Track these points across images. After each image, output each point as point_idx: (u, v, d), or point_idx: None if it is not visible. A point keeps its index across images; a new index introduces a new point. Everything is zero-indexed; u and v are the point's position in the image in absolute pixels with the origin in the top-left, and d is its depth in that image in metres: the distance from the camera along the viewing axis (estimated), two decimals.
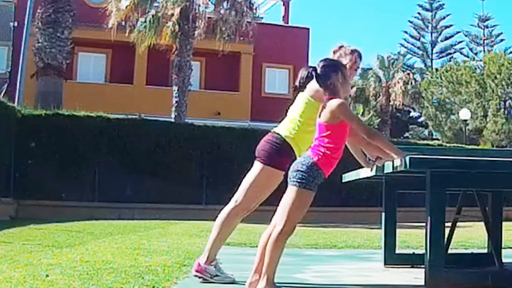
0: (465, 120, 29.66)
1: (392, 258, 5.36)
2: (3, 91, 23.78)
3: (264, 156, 4.10)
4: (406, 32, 49.64)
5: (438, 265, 3.84)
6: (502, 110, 35.05)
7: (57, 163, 14.99)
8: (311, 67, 3.78)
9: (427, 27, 48.89)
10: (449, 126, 37.31)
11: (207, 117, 23.35)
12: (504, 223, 5.30)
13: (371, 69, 36.50)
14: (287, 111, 4.27)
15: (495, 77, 34.18)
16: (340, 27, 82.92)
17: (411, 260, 5.34)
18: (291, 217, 3.60)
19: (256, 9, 21.72)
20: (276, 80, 29.52)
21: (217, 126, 17.28)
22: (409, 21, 49.58)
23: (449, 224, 5.13)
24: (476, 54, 47.51)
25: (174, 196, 15.45)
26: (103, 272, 4.26)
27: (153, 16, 19.62)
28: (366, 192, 15.87)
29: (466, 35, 48.99)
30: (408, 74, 36.96)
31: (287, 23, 31.34)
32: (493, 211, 5.18)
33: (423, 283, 3.93)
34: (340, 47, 4.30)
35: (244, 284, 3.82)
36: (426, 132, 44.19)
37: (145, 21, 19.61)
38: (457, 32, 48.82)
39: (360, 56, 4.29)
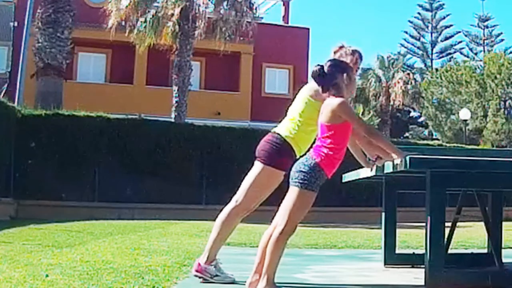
0: (465, 120, 29.66)
1: (392, 258, 5.36)
2: (3, 91, 23.78)
3: (264, 156, 4.10)
4: (406, 32, 49.69)
5: (438, 265, 3.84)
6: (502, 110, 35.05)
7: (57, 163, 14.99)
8: (318, 65, 3.78)
9: (427, 27, 48.89)
10: (449, 126, 37.31)
11: (207, 117, 23.35)
12: (504, 223, 5.30)
13: (371, 69, 36.51)
14: (287, 111, 4.27)
15: (495, 77, 34.18)
16: (340, 27, 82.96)
17: (411, 260, 5.34)
18: (292, 217, 3.60)
19: (256, 9, 21.71)
20: (276, 80, 29.52)
21: (217, 126, 17.28)
22: (409, 21, 49.64)
23: (449, 224, 5.13)
24: (476, 54, 47.54)
25: (174, 196, 15.45)
26: (103, 272, 4.26)
27: (153, 16, 19.62)
28: (366, 192, 15.87)
29: (466, 35, 49.04)
30: (408, 74, 36.97)
31: (287, 23, 31.34)
32: (493, 211, 5.18)
33: (423, 283, 3.93)
34: (341, 47, 4.29)
35: (244, 284, 3.82)
36: (426, 132, 44.19)
37: (145, 21, 19.61)
38: (457, 32, 48.87)
39: (360, 56, 4.29)
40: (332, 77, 3.73)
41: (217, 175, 15.97)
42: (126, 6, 19.20)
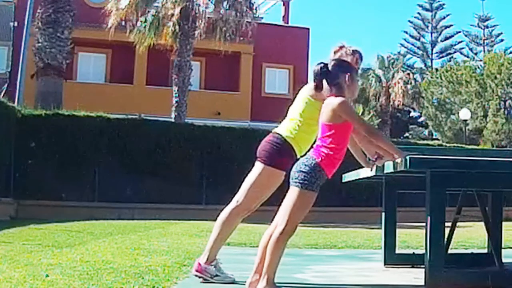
0: (465, 120, 29.66)
1: (392, 258, 5.36)
2: (3, 91, 23.78)
3: (265, 156, 4.10)
4: (406, 32, 49.71)
5: (438, 265, 3.84)
6: (502, 110, 35.05)
7: (57, 163, 14.99)
8: (322, 62, 3.78)
9: (427, 27, 48.90)
10: (449, 126, 37.32)
11: (207, 117, 23.35)
12: (504, 223, 5.30)
13: (371, 69, 36.51)
14: (287, 111, 4.27)
15: (495, 77, 34.18)
16: (340, 27, 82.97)
17: (411, 260, 5.34)
18: (292, 217, 3.60)
19: (256, 9, 21.71)
20: (276, 80, 29.52)
21: (217, 126, 17.28)
22: (409, 21, 49.66)
23: (449, 224, 5.13)
24: (476, 54, 47.55)
25: (174, 196, 15.45)
26: (103, 272, 4.26)
27: (153, 16, 19.63)
28: (366, 192, 15.87)
29: (466, 35, 49.06)
30: (408, 74, 36.99)
31: (287, 23, 31.34)
32: (493, 211, 5.18)
33: (423, 283, 3.93)
34: (341, 47, 4.29)
35: (244, 284, 3.82)
36: (426, 132, 44.20)
37: (145, 21, 19.62)
38: (457, 32, 48.89)
39: (361, 56, 4.29)
40: (335, 76, 3.73)
41: (217, 175, 15.97)
42: (126, 6, 19.19)
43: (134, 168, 15.50)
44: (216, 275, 4.17)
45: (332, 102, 3.67)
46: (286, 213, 3.61)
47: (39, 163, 14.84)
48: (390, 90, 35.65)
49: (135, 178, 15.42)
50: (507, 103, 35.87)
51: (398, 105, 36.04)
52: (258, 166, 4.14)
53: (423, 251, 4.03)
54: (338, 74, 3.74)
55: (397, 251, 5.48)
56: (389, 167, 3.91)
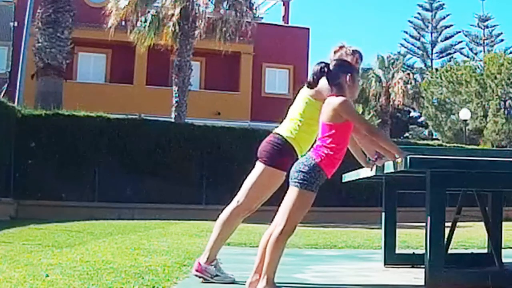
0: (465, 120, 29.66)
1: (392, 258, 5.36)
2: (3, 91, 23.78)
3: (265, 156, 4.10)
4: (406, 32, 49.75)
5: (438, 265, 3.84)
6: (502, 110, 35.06)
7: (57, 163, 14.99)
8: (323, 62, 3.77)
9: (427, 27, 48.92)
10: (449, 126, 37.32)
11: (207, 117, 23.35)
12: (504, 223, 5.30)
13: (371, 69, 36.48)
14: (287, 111, 4.27)
15: (495, 77, 34.19)
16: (340, 27, 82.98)
17: (411, 260, 5.34)
18: (291, 217, 3.60)
19: (256, 9, 21.72)
20: (276, 80, 29.52)
21: (217, 126, 17.28)
22: (409, 21, 49.70)
23: (449, 224, 5.13)
24: (476, 54, 47.59)
25: (174, 196, 15.45)
26: (103, 272, 4.26)
27: (153, 16, 19.62)
28: (366, 192, 15.87)
29: (466, 35, 49.10)
30: (408, 74, 36.95)
31: (287, 23, 31.34)
32: (493, 211, 5.18)
33: (423, 283, 3.93)
34: (341, 47, 4.29)
35: (244, 284, 3.82)
36: (426, 132, 44.20)
37: (145, 21, 19.61)
38: (457, 32, 48.92)
39: (361, 56, 4.29)
40: (336, 76, 3.73)
41: (217, 175, 15.97)
42: (126, 6, 19.19)
43: (134, 168, 15.50)
44: (216, 275, 4.17)
45: (333, 101, 3.67)
46: (285, 213, 3.61)
47: (39, 163, 14.84)
48: (390, 90, 35.61)
49: (135, 178, 15.42)
50: (507, 103, 35.88)
51: (398, 105, 36.01)
52: (259, 167, 4.14)
53: (423, 251, 4.03)
54: (339, 74, 3.74)
55: (397, 251, 5.48)
56: (389, 167, 3.91)
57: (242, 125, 21.20)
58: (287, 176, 3.81)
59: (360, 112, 32.59)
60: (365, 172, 4.41)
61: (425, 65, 48.81)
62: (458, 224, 5.49)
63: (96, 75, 27.42)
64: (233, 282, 4.16)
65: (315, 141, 3.82)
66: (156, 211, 14.65)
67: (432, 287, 3.81)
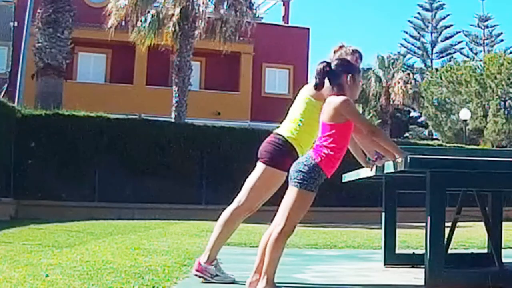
0: (465, 120, 29.66)
1: (392, 258, 5.36)
2: (3, 91, 23.76)
3: (266, 157, 4.10)
4: (406, 32, 49.74)
5: (438, 265, 3.84)
6: (502, 110, 35.05)
7: (57, 163, 14.99)
8: (325, 61, 3.77)
9: (427, 27, 48.92)
10: (449, 126, 37.31)
11: (207, 117, 23.35)
12: (504, 223, 5.30)
13: (371, 69, 36.48)
14: (287, 111, 4.27)
15: (495, 77, 34.18)
16: (340, 27, 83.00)
17: (411, 260, 5.34)
18: (291, 217, 3.59)
19: (256, 9, 21.73)
20: (276, 80, 29.52)
21: (217, 126, 17.28)
22: (409, 21, 49.70)
23: (449, 224, 5.13)
24: (476, 54, 47.58)
25: (174, 196, 15.44)
26: (103, 272, 4.26)
27: (153, 16, 19.61)
28: (366, 192, 15.85)
29: (466, 35, 49.10)
30: (408, 74, 36.93)
31: (287, 23, 31.33)
32: (493, 211, 5.18)
33: (423, 283, 3.93)
34: (341, 46, 4.29)
35: (244, 284, 3.82)
36: (426, 132, 44.20)
37: (145, 21, 19.60)
38: (457, 32, 48.92)
39: (360, 56, 4.29)
40: (337, 76, 3.72)
41: (217, 175, 15.97)
42: (126, 6, 19.18)
43: (134, 168, 15.50)
44: (216, 275, 4.17)
45: (334, 100, 3.66)
46: (285, 213, 3.61)
47: (39, 163, 14.83)
48: (390, 90, 35.60)
49: (135, 178, 15.42)
50: (507, 103, 35.88)
51: (398, 105, 36.01)
52: (259, 167, 4.15)
53: (423, 251, 4.03)
54: (340, 74, 3.73)
55: (397, 251, 5.48)
56: (389, 167, 3.90)
57: (242, 125, 21.20)
58: (287, 176, 3.81)
59: (360, 112, 32.58)
60: (365, 172, 4.41)
61: (425, 65, 48.82)
62: (458, 224, 5.49)
63: (96, 75, 27.41)
64: (233, 282, 4.16)
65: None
66: (156, 211, 14.65)
67: (432, 287, 3.81)
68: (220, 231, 4.21)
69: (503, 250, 5.14)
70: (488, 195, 5.18)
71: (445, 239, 4.46)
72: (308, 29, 30.29)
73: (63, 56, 18.18)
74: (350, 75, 3.75)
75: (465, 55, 47.65)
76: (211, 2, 20.46)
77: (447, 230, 4.55)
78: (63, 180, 14.77)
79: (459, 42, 49.05)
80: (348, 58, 4.14)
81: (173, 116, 18.99)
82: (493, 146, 31.77)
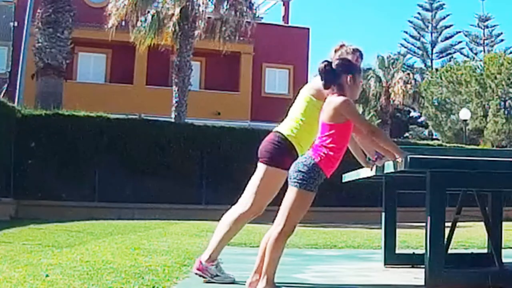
0: (465, 120, 29.65)
1: (392, 258, 5.36)
2: (3, 91, 23.76)
3: (266, 157, 4.10)
4: (406, 32, 49.73)
5: (438, 265, 3.84)
6: (502, 110, 35.05)
7: (57, 163, 14.99)
8: (326, 61, 3.76)
9: (427, 27, 48.92)
10: (449, 126, 37.31)
11: (207, 117, 23.34)
12: (504, 223, 5.30)
13: (371, 69, 36.47)
14: (287, 111, 4.27)
15: (495, 77, 34.18)
16: (340, 27, 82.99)
17: (411, 260, 5.34)
18: (291, 217, 3.59)
19: (256, 9, 21.71)
20: (276, 80, 29.52)
21: (217, 126, 17.27)
22: (409, 21, 49.69)
23: (449, 224, 5.13)
24: (476, 54, 47.58)
25: (174, 196, 15.44)
26: (103, 272, 4.26)
27: (153, 16, 19.61)
28: (366, 192, 15.84)
29: (466, 35, 49.10)
30: (408, 74, 36.93)
31: (287, 23, 31.33)
32: (493, 211, 5.18)
33: (423, 283, 3.93)
34: (342, 45, 4.28)
35: (244, 284, 3.82)
36: (426, 132, 44.19)
37: (145, 21, 19.61)
38: (457, 32, 48.92)
39: (361, 55, 4.28)
40: (337, 76, 3.72)
41: (217, 175, 15.97)
42: (126, 6, 19.17)
43: (134, 168, 15.50)
44: (217, 275, 4.17)
45: (334, 100, 3.66)
46: (284, 213, 3.60)
47: (39, 163, 14.83)
48: (390, 90, 35.59)
49: (135, 178, 15.42)
50: (507, 103, 35.87)
51: (398, 105, 36.01)
52: (261, 168, 4.14)
53: (423, 251, 4.03)
54: (340, 74, 3.73)
55: (397, 251, 5.48)
56: (389, 167, 3.90)
57: (242, 125, 21.20)
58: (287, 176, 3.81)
59: (360, 112, 32.58)
60: (365, 172, 4.41)
61: (425, 65, 48.81)
62: (458, 224, 5.49)
63: (96, 75, 27.41)
64: (233, 282, 4.16)
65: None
66: (156, 211, 14.64)
67: (432, 287, 3.81)
68: (225, 232, 4.21)
69: (503, 250, 5.14)
70: (488, 195, 5.18)
71: (445, 239, 4.46)
72: (308, 29, 30.30)
73: (63, 56, 18.18)
74: (350, 75, 3.74)
75: (465, 55, 47.68)
76: (211, 2, 20.46)
77: (447, 230, 4.55)
78: (63, 180, 14.77)
79: (459, 42, 49.11)
80: (349, 57, 4.13)
81: (173, 116, 18.99)
82: (493, 146, 31.77)
